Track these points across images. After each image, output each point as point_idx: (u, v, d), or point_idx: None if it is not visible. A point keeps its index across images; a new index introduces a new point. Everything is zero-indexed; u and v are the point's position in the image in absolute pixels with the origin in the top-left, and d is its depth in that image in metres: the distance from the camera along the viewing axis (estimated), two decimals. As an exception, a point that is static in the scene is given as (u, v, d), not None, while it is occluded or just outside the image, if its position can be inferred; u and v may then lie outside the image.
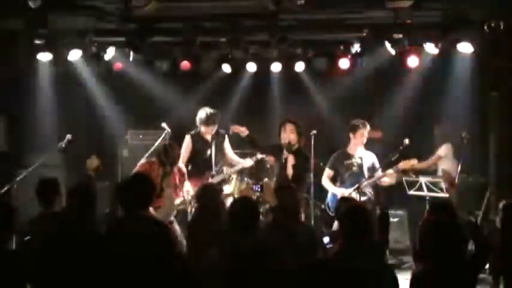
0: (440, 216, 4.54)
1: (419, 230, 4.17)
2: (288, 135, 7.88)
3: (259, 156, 7.95)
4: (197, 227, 5.67)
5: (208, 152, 7.99)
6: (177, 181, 7.34)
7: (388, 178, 7.91)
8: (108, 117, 10.00)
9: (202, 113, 7.92)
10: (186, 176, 7.54)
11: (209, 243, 4.64)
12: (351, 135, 8.05)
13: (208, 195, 5.89)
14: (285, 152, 7.90)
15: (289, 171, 7.82)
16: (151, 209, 5.33)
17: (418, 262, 4.44)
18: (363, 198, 7.72)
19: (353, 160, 8.01)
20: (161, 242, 4.52)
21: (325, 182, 8.13)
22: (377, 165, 7.98)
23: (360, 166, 7.98)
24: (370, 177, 7.88)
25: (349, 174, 7.99)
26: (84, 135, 9.21)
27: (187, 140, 8.00)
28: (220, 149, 8.07)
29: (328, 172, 8.16)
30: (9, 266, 4.30)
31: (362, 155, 8.03)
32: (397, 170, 7.82)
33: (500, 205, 5.27)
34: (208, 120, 7.87)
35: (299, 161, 7.81)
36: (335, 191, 7.96)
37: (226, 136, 8.14)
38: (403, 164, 7.73)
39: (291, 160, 7.84)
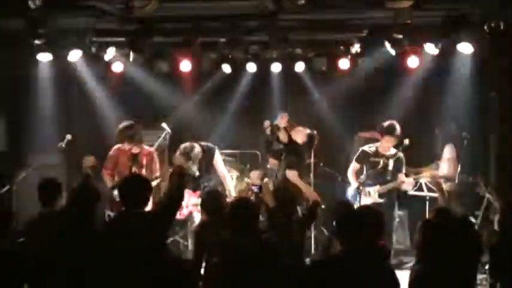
0: (441, 218, 4.54)
1: (419, 231, 4.17)
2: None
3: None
4: (204, 233, 5.62)
5: (197, 172, 7.92)
6: (144, 162, 7.54)
7: (405, 185, 7.79)
8: (108, 117, 9.98)
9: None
10: (155, 159, 7.67)
11: (216, 248, 4.64)
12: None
13: (214, 201, 5.85)
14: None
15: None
16: None
17: (417, 262, 4.45)
18: (370, 200, 7.66)
19: (380, 159, 7.83)
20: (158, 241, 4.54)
21: (349, 175, 8.03)
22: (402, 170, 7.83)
23: (385, 167, 7.79)
24: (387, 182, 7.75)
25: (371, 172, 7.82)
26: (84, 135, 9.21)
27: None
28: (209, 166, 7.98)
29: (353, 165, 8.03)
30: (8, 266, 4.30)
31: (391, 155, 7.83)
32: (418, 179, 7.71)
33: (498, 205, 5.26)
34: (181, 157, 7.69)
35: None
36: (350, 192, 7.90)
37: (216, 151, 8.00)
38: (427, 175, 7.62)
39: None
